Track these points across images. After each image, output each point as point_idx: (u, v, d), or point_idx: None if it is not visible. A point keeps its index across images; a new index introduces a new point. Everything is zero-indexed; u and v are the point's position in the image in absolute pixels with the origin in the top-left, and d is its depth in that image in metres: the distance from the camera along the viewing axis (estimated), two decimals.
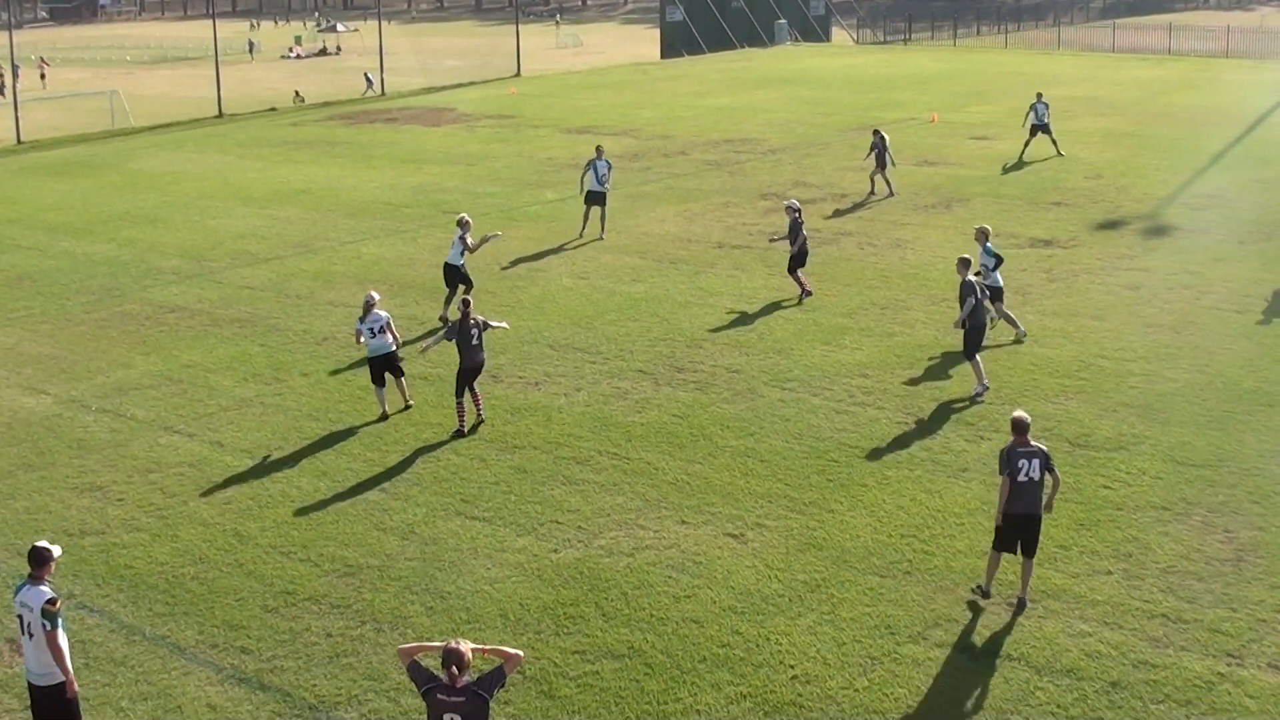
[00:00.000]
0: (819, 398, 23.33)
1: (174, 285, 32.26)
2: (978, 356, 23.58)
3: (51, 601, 12.70)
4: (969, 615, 16.02)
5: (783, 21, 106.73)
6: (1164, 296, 28.86)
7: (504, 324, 24.08)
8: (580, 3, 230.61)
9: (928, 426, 21.91)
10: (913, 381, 24.05)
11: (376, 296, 23.08)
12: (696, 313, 28.46)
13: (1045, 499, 16.26)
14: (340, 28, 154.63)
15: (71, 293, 32.02)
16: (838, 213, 38.19)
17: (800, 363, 25.14)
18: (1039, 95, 46.56)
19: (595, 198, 35.29)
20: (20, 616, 12.91)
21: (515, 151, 51.31)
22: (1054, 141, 45.83)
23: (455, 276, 28.83)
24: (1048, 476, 16.03)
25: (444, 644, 11.30)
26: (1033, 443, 16.05)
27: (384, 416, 22.79)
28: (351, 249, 35.28)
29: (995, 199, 39.31)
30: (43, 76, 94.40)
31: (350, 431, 22.29)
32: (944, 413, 22.49)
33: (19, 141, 61.71)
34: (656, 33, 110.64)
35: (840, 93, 68.16)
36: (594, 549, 17.87)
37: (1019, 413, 16.36)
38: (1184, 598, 16.33)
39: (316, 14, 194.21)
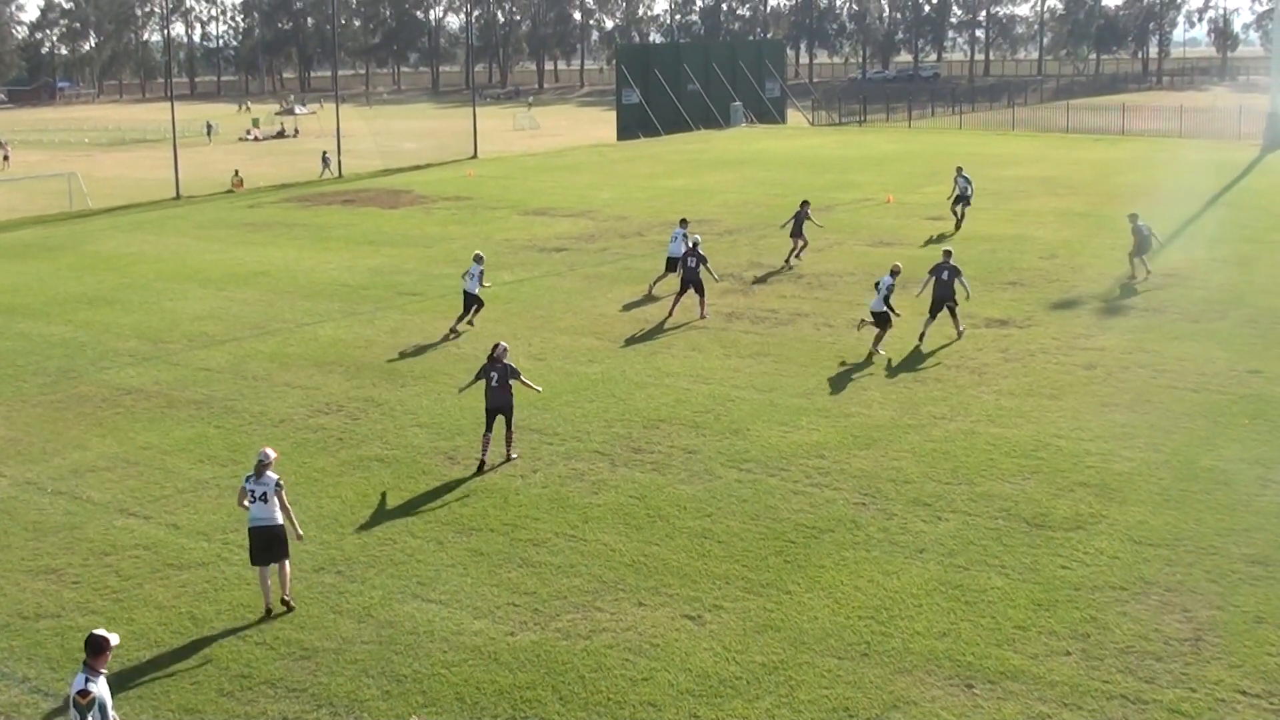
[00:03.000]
0: (776, 478, 23.33)
1: (130, 367, 32.09)
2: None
3: (82, 694, 12.51)
4: (928, 698, 15.95)
5: (738, 104, 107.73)
6: (1120, 375, 29.05)
7: (538, 388, 25.77)
8: (537, 85, 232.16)
9: (885, 507, 21.91)
10: (870, 462, 24.07)
11: (272, 455, 18.89)
12: (653, 393, 28.48)
13: None
14: (298, 110, 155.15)
15: (27, 374, 31.81)
16: (794, 293, 38.33)
17: (757, 443, 25.16)
18: (959, 169, 49.14)
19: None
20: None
21: (472, 233, 51.43)
22: (960, 216, 47.99)
23: (470, 301, 34.58)
24: None
25: None
26: None
27: (267, 612, 18.53)
28: (308, 331, 35.21)
29: None
30: (5, 158, 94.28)
31: (307, 514, 22.08)
32: (901, 494, 22.50)
33: None
34: (613, 115, 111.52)
35: (796, 174, 68.69)
36: (551, 631, 17.76)
37: None
38: (1143, 678, 16.31)
39: (292, 96, 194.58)
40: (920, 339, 32.22)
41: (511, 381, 24.11)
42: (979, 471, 23.44)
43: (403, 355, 32.20)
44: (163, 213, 63.31)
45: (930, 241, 45.74)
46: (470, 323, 35.27)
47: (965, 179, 48.92)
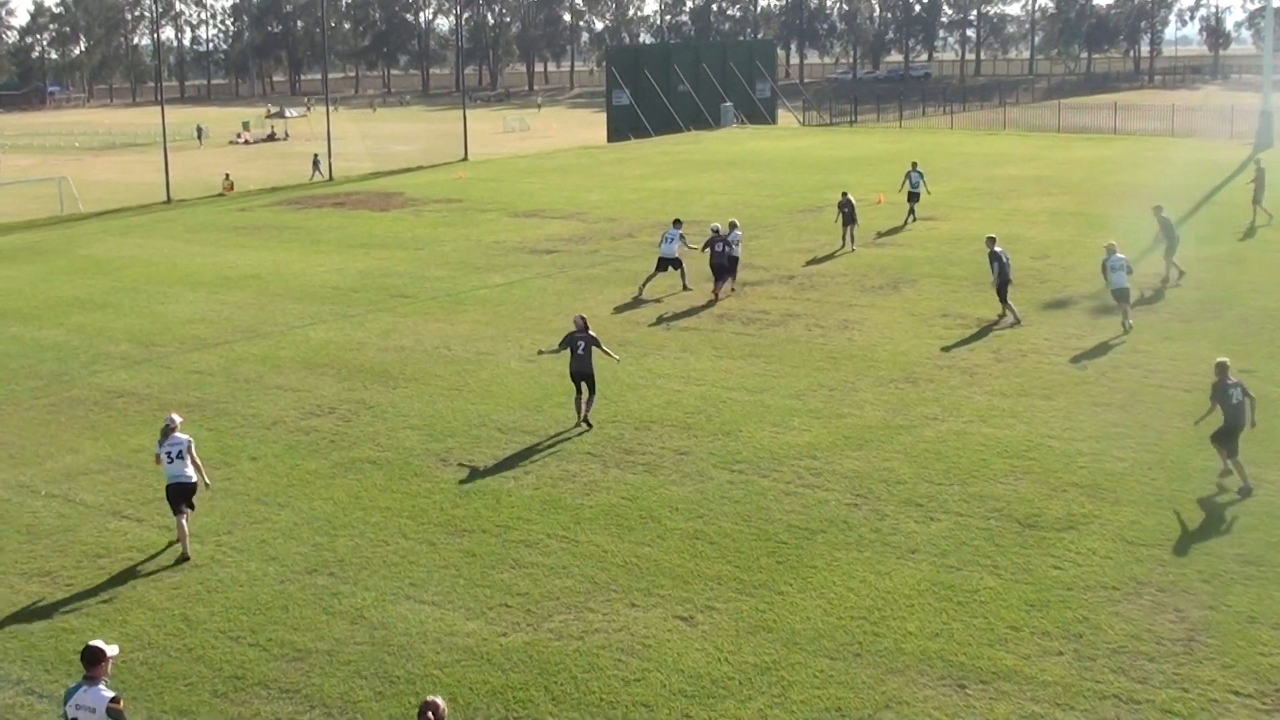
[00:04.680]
0: (768, 479, 23.34)
1: (122, 370, 32.07)
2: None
3: (116, 701, 12.50)
4: (920, 698, 15.97)
5: (728, 104, 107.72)
6: (1112, 375, 29.08)
7: (617, 357, 27.81)
8: (527, 87, 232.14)
9: (877, 508, 21.93)
10: (861, 463, 24.08)
11: (178, 419, 21.23)
12: (644, 395, 28.49)
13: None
14: (289, 113, 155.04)
15: (20, 378, 31.78)
16: (785, 294, 38.38)
17: (749, 444, 25.17)
18: (914, 164, 50.24)
19: None
20: None
21: (463, 235, 51.44)
22: (912, 210, 49.33)
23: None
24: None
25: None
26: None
27: (184, 556, 20.54)
28: (300, 333, 35.19)
29: (943, 280, 39.61)
30: None
31: (299, 515, 22.13)
32: (893, 494, 22.52)
33: None
34: (603, 116, 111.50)
35: (786, 175, 68.72)
36: (543, 632, 17.77)
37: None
38: (1135, 678, 16.33)
39: (307, 100, 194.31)
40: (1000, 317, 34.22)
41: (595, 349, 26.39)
42: (971, 472, 23.46)
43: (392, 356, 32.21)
44: (153, 216, 63.28)
45: (883, 234, 45.75)
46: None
47: (919, 174, 49.83)
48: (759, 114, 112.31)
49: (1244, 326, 33.14)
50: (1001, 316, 34.14)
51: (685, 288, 38.86)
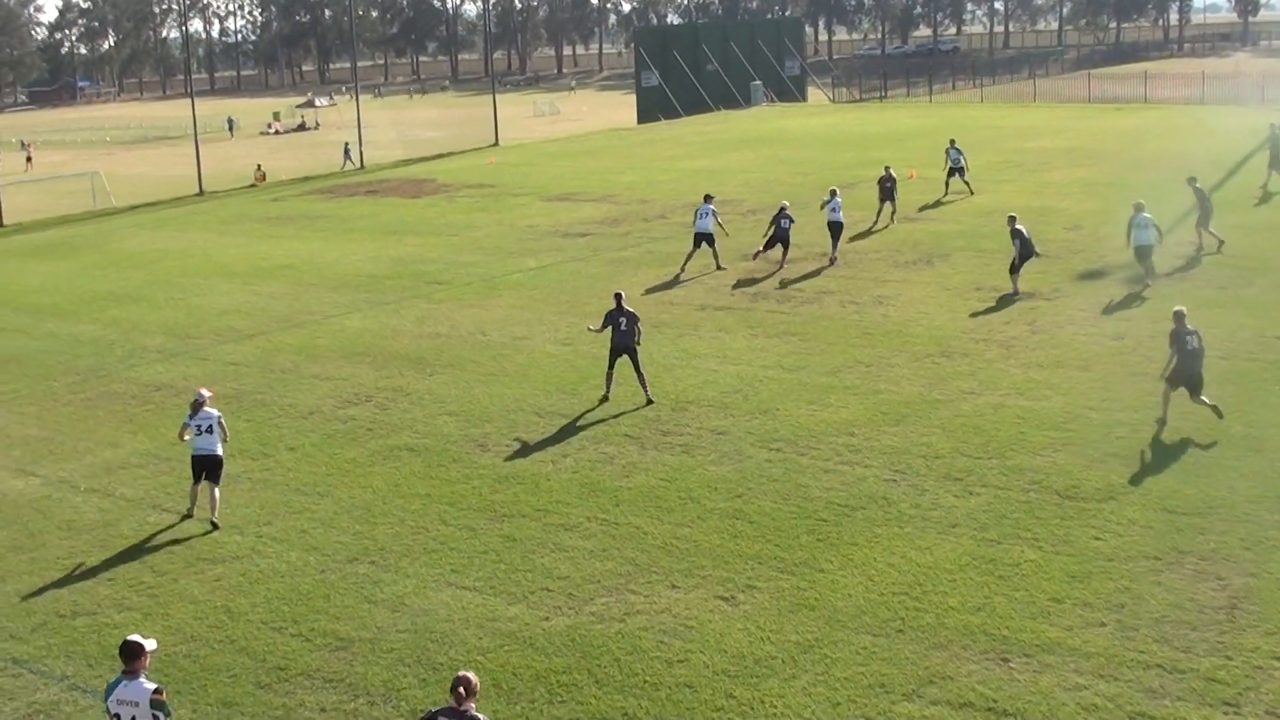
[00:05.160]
0: (806, 457, 23.32)
1: (159, 363, 32.24)
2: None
3: (159, 692, 12.55)
4: (964, 672, 15.95)
5: (758, 83, 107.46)
6: (1148, 345, 28.89)
7: (639, 343, 27.18)
8: (556, 71, 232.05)
9: (916, 483, 21.89)
10: (899, 439, 24.03)
11: (207, 394, 22.28)
12: (681, 375, 28.48)
13: None
14: (319, 102, 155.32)
15: (58, 373, 31.97)
16: (820, 271, 38.31)
17: (786, 423, 25.15)
18: (952, 141, 50.37)
19: None
20: (118, 715, 12.62)
21: (496, 220, 51.49)
22: (967, 183, 49.48)
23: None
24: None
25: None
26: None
27: (189, 514, 22.04)
28: (335, 322, 35.29)
29: (976, 253, 39.46)
30: (29, 159, 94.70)
31: (339, 504, 22.21)
32: (932, 469, 22.47)
33: (1, 225, 61.80)
34: (633, 98, 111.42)
35: (817, 152, 68.54)
36: (585, 616, 17.80)
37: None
38: (1179, 647, 16.28)
39: (345, 85, 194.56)
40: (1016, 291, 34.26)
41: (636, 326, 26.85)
42: (1009, 445, 23.39)
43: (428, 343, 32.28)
44: (186, 209, 63.55)
45: (925, 207, 45.58)
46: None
47: (957, 150, 49.95)
48: (789, 92, 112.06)
49: (1278, 293, 32.91)
50: (1016, 292, 34.15)
51: (719, 267, 38.86)
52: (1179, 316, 24.19)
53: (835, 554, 19.38)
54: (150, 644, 12.92)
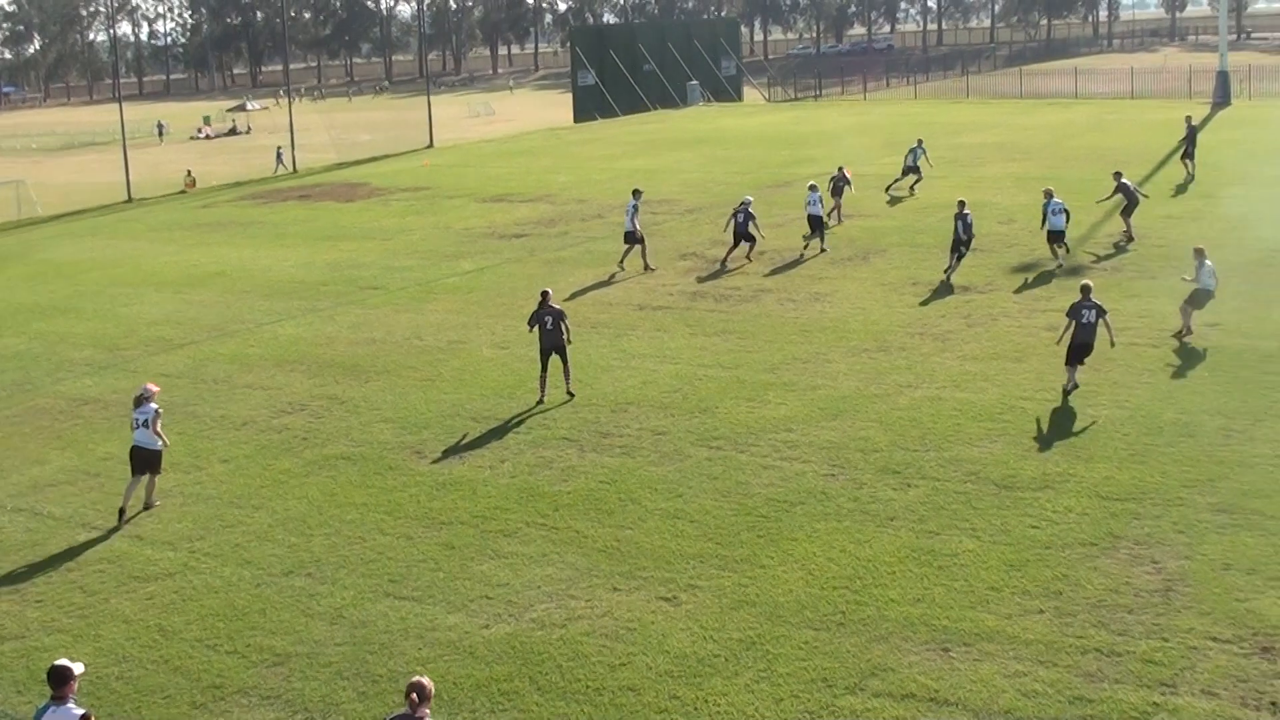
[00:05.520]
0: (745, 454, 23.30)
1: (87, 377, 31.79)
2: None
3: (87, 718, 12.24)
4: (905, 663, 15.95)
5: (694, 83, 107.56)
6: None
7: (569, 340, 27.23)
8: (492, 71, 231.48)
9: (854, 477, 21.92)
10: (837, 433, 24.05)
11: (153, 389, 22.99)
12: (619, 376, 28.41)
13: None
14: (250, 105, 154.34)
15: None
16: (756, 270, 38.32)
17: (725, 421, 25.11)
18: (920, 141, 50.67)
19: None
20: None
21: (431, 223, 51.21)
22: (905, 185, 49.56)
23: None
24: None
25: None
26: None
27: (121, 513, 22.13)
28: (268, 330, 34.98)
29: (912, 248, 39.62)
30: None
31: (274, 517, 21.95)
32: (870, 463, 22.51)
33: None
34: (569, 98, 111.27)
35: (754, 151, 68.65)
36: (525, 622, 17.67)
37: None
38: (1116, 631, 16.41)
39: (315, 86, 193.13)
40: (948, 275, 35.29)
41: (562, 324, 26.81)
42: (946, 437, 23.48)
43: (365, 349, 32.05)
44: (115, 216, 62.79)
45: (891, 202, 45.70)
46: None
47: (921, 150, 50.15)
48: (725, 91, 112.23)
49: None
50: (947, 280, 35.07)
51: (647, 267, 38.81)
52: (1084, 289, 25.65)
53: (775, 550, 19.36)
54: (78, 667, 12.63)
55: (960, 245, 35.36)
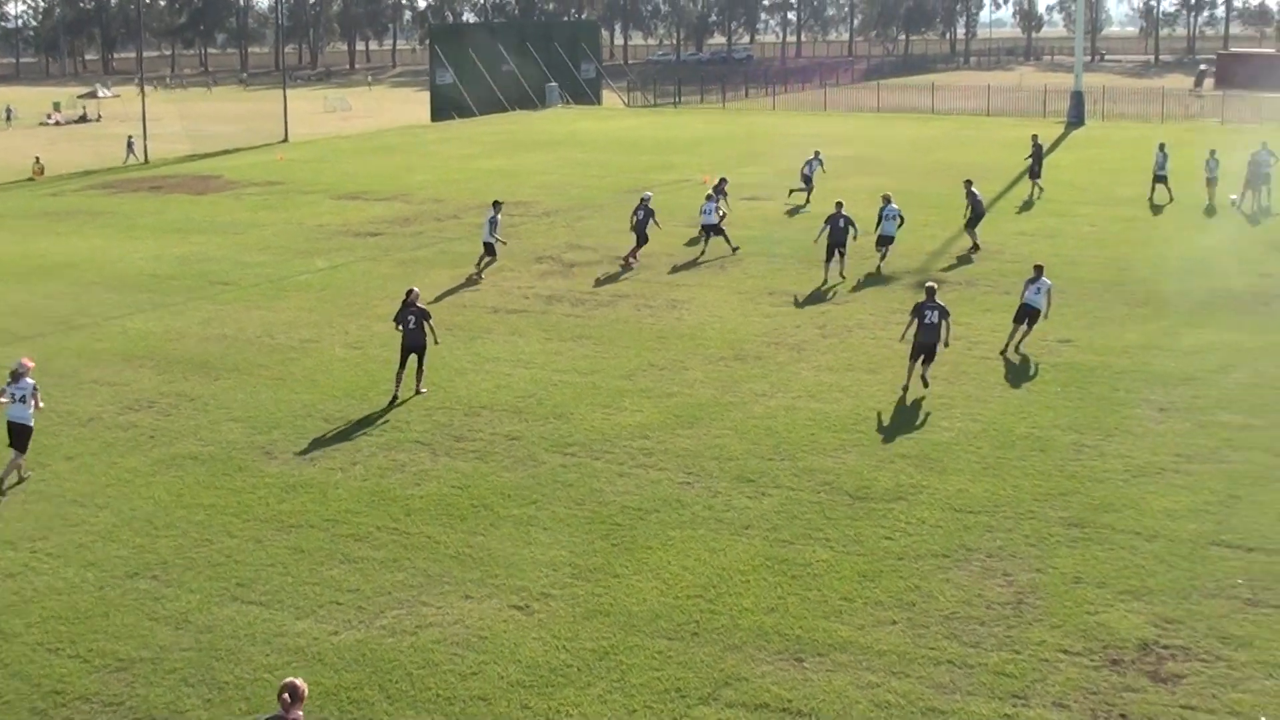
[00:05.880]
0: (600, 461, 23.22)
1: None
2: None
3: None
4: (759, 673, 15.98)
5: (553, 84, 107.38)
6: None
7: (437, 341, 27.72)
8: (349, 66, 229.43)
9: (709, 485, 21.94)
10: (693, 441, 24.07)
11: (29, 364, 23.31)
12: (473, 379, 28.19)
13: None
14: (102, 93, 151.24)
15: None
16: (613, 276, 38.30)
17: (580, 427, 25.02)
18: (816, 153, 51.29)
19: None
20: None
21: (284, 219, 50.48)
22: (800, 189, 50.21)
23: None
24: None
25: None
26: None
27: (21, 479, 23.07)
28: (116, 324, 34.20)
29: (768, 258, 39.86)
30: None
31: (119, 517, 21.43)
32: (725, 471, 22.56)
33: None
34: (427, 95, 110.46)
35: (613, 155, 68.68)
36: (376, 629, 17.43)
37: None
38: (968, 643, 16.60)
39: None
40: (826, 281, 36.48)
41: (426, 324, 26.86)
42: (801, 446, 23.60)
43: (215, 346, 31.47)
44: None
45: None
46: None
47: (818, 161, 50.93)
48: (584, 94, 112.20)
49: (1059, 297, 33.66)
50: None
51: (477, 274, 38.37)
52: (929, 291, 26.69)
53: (630, 558, 19.31)
54: None
55: (839, 246, 36.44)
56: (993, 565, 18.80)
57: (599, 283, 37.10)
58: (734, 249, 40.49)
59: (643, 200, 39.83)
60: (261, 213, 52.45)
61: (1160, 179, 49.53)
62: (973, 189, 40.54)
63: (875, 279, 36.69)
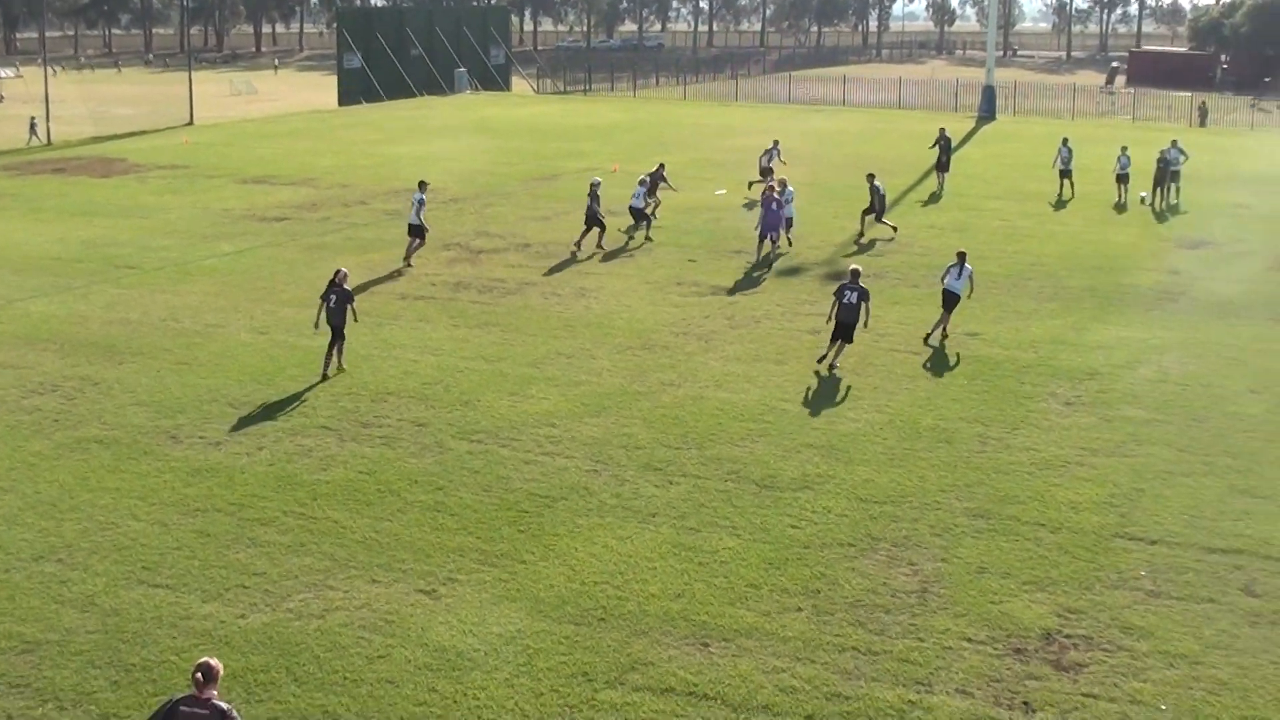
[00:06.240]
0: (507, 449, 23.27)
1: None
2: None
3: None
4: (665, 658, 16.12)
5: (462, 70, 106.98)
6: None
7: (355, 319, 27.99)
8: (255, 49, 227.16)
9: (617, 473, 22.06)
10: (600, 430, 24.18)
11: None
12: (380, 365, 28.12)
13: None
14: (3, 73, 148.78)
15: None
16: (521, 263, 38.31)
17: (487, 414, 25.06)
18: (775, 143, 51.74)
19: None
20: None
21: (190, 203, 49.98)
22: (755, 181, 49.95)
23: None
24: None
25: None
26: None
27: None
28: (19, 307, 33.73)
29: (678, 248, 40.02)
30: None
31: (23, 500, 21.19)
32: (632, 459, 22.68)
33: None
34: (334, 80, 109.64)
35: (522, 142, 68.60)
36: (283, 612, 17.40)
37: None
38: (873, 630, 16.82)
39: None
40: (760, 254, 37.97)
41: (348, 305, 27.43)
42: (708, 435, 23.77)
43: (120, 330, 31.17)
44: None
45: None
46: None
47: (775, 151, 51.03)
48: (493, 80, 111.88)
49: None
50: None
51: (407, 263, 38.09)
52: (853, 273, 28.01)
53: (537, 545, 19.39)
54: None
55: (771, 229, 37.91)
56: (898, 554, 19.05)
57: (550, 271, 37.07)
58: (647, 238, 40.63)
59: (592, 187, 39.81)
60: (167, 196, 51.89)
61: (1065, 174, 50.26)
62: (875, 182, 41.13)
63: (785, 271, 36.94)
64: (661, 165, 46.45)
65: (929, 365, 28.18)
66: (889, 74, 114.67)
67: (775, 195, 38.01)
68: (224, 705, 11.81)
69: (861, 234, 41.55)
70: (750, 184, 50.43)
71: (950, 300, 29.78)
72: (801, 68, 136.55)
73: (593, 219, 39.46)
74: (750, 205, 47.55)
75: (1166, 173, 48.18)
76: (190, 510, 20.70)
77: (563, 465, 22.48)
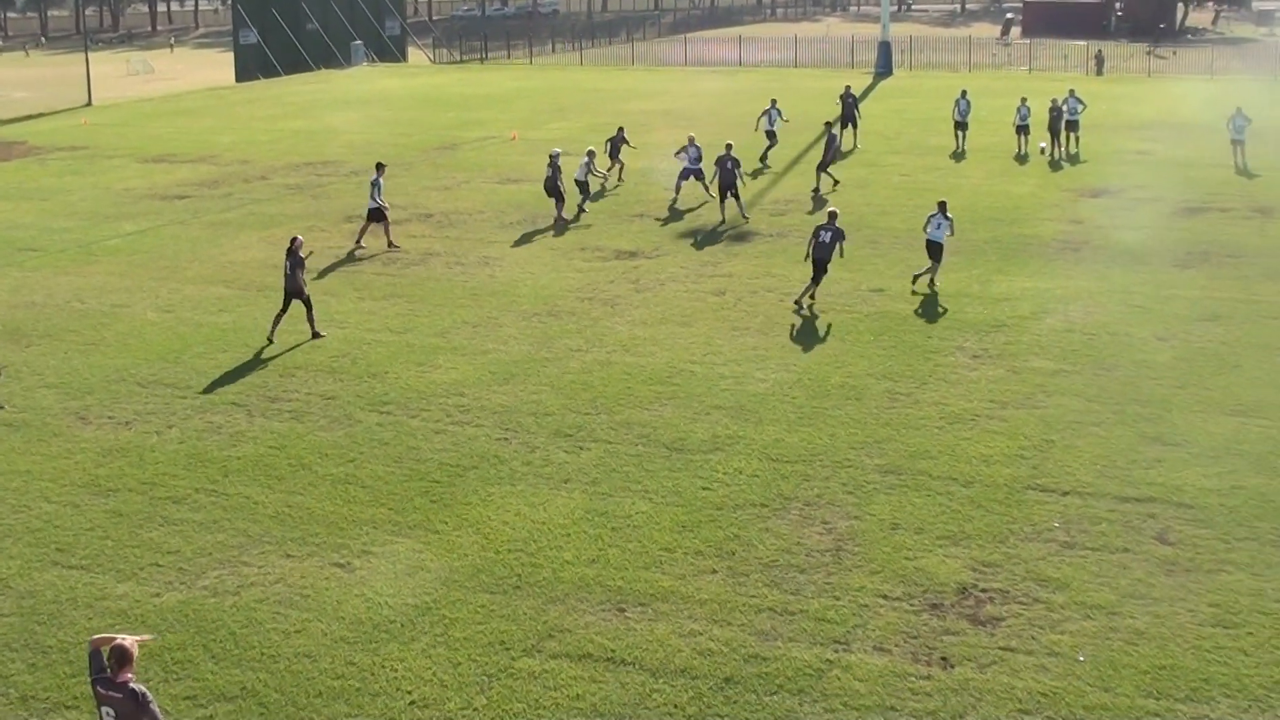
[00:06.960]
0: (417, 419, 23.29)
1: None
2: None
3: None
4: (582, 624, 16.24)
5: (358, 43, 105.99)
6: (749, 300, 29.94)
7: (307, 292, 28.20)
8: (151, 28, 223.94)
9: (527, 441, 22.14)
10: (509, 397, 24.24)
11: None
12: (287, 340, 27.96)
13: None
14: None
15: None
16: (424, 233, 38.20)
17: (395, 385, 25.05)
18: (773, 102, 50.30)
19: None
20: None
21: (90, 184, 49.32)
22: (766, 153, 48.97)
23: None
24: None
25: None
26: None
27: None
28: None
29: (582, 214, 40.00)
30: None
31: None
32: (542, 426, 22.76)
33: None
34: (230, 56, 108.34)
35: (420, 113, 68.22)
36: (198, 590, 17.37)
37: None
38: (788, 590, 16.98)
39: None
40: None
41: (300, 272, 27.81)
42: (617, 400, 23.88)
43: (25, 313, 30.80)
44: None
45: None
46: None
47: (776, 111, 49.47)
48: (389, 52, 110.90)
49: (872, 248, 34.56)
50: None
51: (359, 245, 37.01)
52: (831, 215, 29.90)
53: (450, 515, 19.45)
54: None
55: (730, 188, 38.04)
56: (811, 513, 19.23)
57: (454, 241, 36.91)
58: (580, 212, 40.05)
59: (551, 158, 39.49)
60: (67, 178, 51.15)
61: (961, 125, 50.73)
62: (833, 130, 43.93)
63: (686, 234, 37.07)
64: (621, 129, 46.51)
65: (835, 324, 28.41)
66: (784, 33, 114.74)
67: (731, 154, 37.97)
68: (139, 688, 11.69)
69: (817, 188, 42.42)
70: (762, 156, 48.52)
71: (935, 250, 30.23)
72: (697, 29, 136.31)
73: (553, 189, 39.11)
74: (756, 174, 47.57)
75: (1061, 122, 48.68)
76: (102, 490, 20.58)
77: (473, 434, 22.53)
